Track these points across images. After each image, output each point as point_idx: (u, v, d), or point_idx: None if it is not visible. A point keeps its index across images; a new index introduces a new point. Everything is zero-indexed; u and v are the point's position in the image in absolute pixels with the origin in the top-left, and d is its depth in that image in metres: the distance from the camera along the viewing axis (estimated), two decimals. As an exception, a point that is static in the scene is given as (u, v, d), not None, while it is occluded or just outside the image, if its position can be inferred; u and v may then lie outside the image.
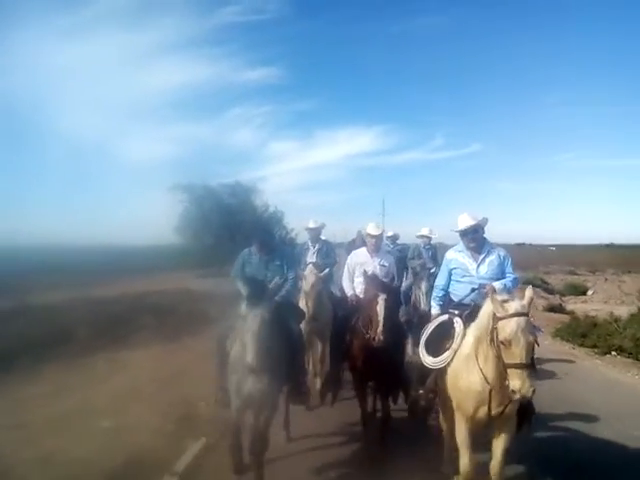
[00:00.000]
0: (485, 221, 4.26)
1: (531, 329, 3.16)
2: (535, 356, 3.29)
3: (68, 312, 11.68)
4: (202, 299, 14.63)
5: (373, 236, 5.47)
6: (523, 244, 71.18)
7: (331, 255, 7.24)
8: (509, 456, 3.62)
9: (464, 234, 4.22)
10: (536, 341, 3.24)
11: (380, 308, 4.25)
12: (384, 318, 4.22)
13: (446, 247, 4.60)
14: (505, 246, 4.23)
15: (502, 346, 3.13)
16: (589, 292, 22.34)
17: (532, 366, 3.17)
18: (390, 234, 9.19)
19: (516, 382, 3.02)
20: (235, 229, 32.41)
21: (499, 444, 3.56)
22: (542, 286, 21.72)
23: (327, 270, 6.77)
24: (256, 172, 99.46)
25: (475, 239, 4.20)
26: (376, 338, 4.17)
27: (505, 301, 3.24)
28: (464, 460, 3.63)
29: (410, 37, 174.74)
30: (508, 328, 3.10)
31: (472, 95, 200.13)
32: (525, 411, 3.73)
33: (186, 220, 33.69)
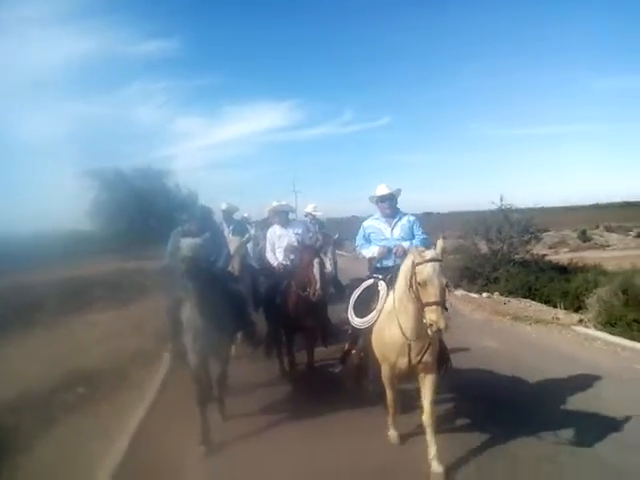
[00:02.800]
0: (399, 192, 4.85)
1: (444, 273, 3.57)
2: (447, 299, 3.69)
3: (21, 293, 13.53)
4: (136, 276, 17.18)
5: (277, 212, 6.45)
6: (431, 213, 75.68)
7: (245, 233, 7.80)
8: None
9: (382, 200, 4.78)
10: (448, 284, 3.77)
11: (316, 270, 5.05)
12: (320, 277, 5.06)
13: (361, 220, 5.11)
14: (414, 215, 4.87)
15: (420, 287, 3.53)
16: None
17: (444, 304, 3.50)
18: (310, 209, 8.86)
19: (432, 316, 3.39)
20: (149, 214, 33.67)
21: (426, 394, 4.00)
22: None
23: (247, 236, 7.53)
24: (163, 151, 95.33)
25: (390, 206, 4.78)
26: (315, 293, 5.01)
27: (422, 251, 3.68)
28: (389, 395, 4.30)
29: (317, 9, 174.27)
30: (425, 271, 3.50)
31: (380, 68, 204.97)
32: (441, 358, 4.25)
33: (97, 206, 33.33)
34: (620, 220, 50.79)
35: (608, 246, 40.13)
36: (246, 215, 9.27)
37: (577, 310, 10.67)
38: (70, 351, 7.93)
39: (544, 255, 15.86)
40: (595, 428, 4.43)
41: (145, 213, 33.29)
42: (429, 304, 3.44)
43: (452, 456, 4.01)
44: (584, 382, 5.72)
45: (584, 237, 46.43)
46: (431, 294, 3.44)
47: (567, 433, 4.34)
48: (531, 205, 16.40)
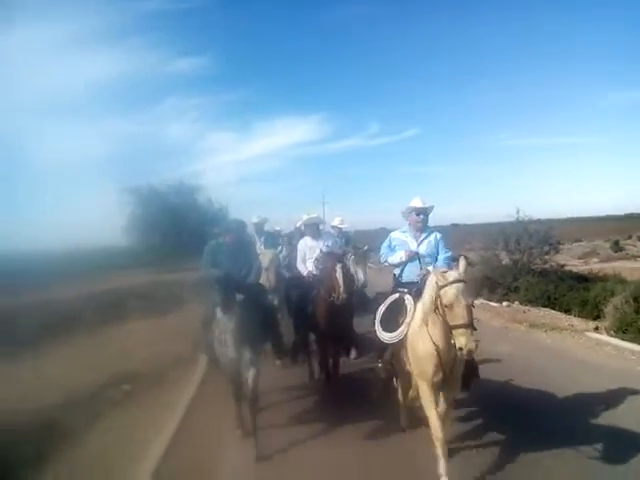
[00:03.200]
0: (431, 208, 4.83)
1: (470, 293, 3.59)
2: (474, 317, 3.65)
3: (60, 305, 14.17)
4: (171, 287, 18.06)
5: (308, 225, 6.62)
6: (458, 224, 75.69)
7: (275, 244, 8.29)
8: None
9: (417, 213, 4.73)
10: (473, 304, 3.69)
11: (339, 274, 5.29)
12: (343, 280, 5.27)
13: (389, 231, 5.13)
14: (441, 227, 5.09)
15: (446, 310, 3.54)
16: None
17: (472, 325, 3.49)
18: (337, 223, 8.45)
19: (461, 339, 3.41)
20: (182, 228, 34.94)
21: (447, 398, 4.11)
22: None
23: (280, 248, 7.98)
24: (194, 166, 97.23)
25: (423, 220, 4.77)
26: (339, 297, 5.22)
27: (445, 272, 3.69)
28: (433, 419, 3.96)
29: (342, 25, 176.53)
30: (449, 293, 3.51)
31: (405, 82, 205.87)
32: (470, 374, 4.28)
33: (133, 221, 34.82)
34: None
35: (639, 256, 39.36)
36: (278, 229, 9.64)
37: (596, 318, 10.91)
38: (113, 355, 8.61)
39: (563, 265, 16.16)
40: (602, 431, 4.78)
41: (178, 227, 34.54)
42: (457, 327, 3.46)
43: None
44: (592, 383, 6.14)
45: (616, 247, 45.76)
46: (458, 316, 3.47)
47: (567, 433, 4.72)
48: (557, 216, 16.81)
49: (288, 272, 7.85)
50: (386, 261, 4.96)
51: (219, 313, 4.50)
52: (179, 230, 34.25)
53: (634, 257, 39.23)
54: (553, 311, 11.74)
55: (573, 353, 7.81)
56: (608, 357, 7.51)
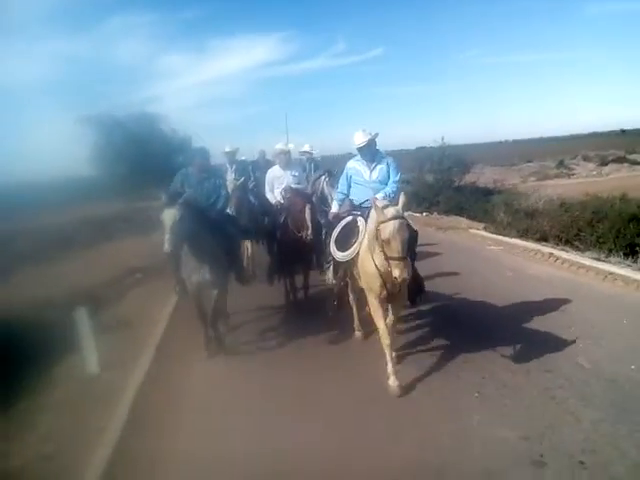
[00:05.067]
0: (376, 136, 4.99)
1: (406, 228, 3.92)
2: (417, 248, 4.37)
3: (57, 230, 15.68)
4: (147, 213, 20.00)
5: (281, 153, 6.66)
6: (424, 147, 76.58)
7: (246, 172, 8.87)
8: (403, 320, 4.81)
9: (359, 150, 5.00)
10: (416, 238, 4.40)
11: (308, 215, 5.65)
12: (311, 222, 5.68)
13: (352, 156, 5.34)
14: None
15: (384, 244, 3.88)
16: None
17: (406, 257, 3.85)
18: (307, 149, 8.84)
19: (396, 270, 3.80)
20: (147, 157, 35.66)
21: (394, 311, 4.60)
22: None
23: (242, 179, 8.29)
24: (151, 90, 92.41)
25: (369, 152, 4.98)
26: (307, 237, 5.68)
27: (385, 207, 4.00)
28: (380, 325, 4.52)
29: None
30: (387, 230, 3.84)
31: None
32: (417, 289, 4.75)
33: (97, 151, 32.95)
34: (614, 148, 52.23)
35: (573, 174, 43.24)
36: (244, 158, 10.15)
37: (493, 222, 14.09)
38: (115, 260, 11.01)
39: (474, 182, 19.88)
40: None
41: (143, 157, 35.19)
42: (393, 259, 3.83)
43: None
44: (456, 254, 9.74)
45: (560, 166, 49.35)
46: (394, 250, 3.81)
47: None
48: (529, 135, 20.21)
49: (256, 200, 8.43)
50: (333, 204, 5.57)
51: (183, 239, 4.69)
52: (144, 159, 34.99)
53: (568, 175, 43.07)
54: (460, 217, 14.99)
55: (455, 242, 11.21)
56: (474, 242, 11.02)
